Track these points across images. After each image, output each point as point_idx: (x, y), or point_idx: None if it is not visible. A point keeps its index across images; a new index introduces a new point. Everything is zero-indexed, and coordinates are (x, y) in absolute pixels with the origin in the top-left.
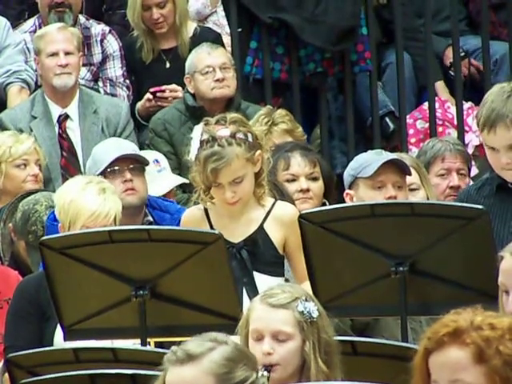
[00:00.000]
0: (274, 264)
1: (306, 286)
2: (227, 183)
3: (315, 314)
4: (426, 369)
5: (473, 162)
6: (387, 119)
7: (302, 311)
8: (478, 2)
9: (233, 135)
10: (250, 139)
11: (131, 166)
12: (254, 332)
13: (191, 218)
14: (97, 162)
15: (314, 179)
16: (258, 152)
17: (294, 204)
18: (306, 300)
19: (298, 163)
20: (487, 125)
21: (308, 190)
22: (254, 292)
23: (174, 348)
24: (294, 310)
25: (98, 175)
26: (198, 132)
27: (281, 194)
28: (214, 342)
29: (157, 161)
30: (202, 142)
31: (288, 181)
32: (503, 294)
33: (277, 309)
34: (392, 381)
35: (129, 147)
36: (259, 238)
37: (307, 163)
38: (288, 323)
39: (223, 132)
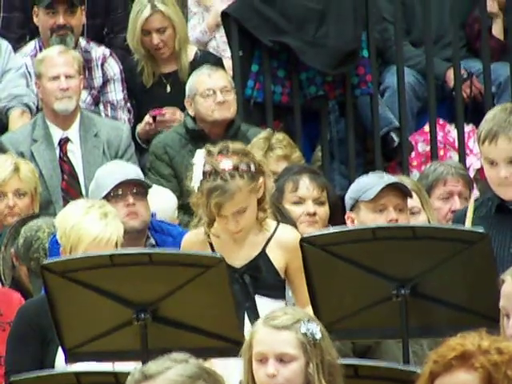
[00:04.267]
0: (276, 288)
1: (308, 311)
2: (230, 214)
3: (318, 336)
4: None
5: (474, 185)
6: (392, 134)
7: (305, 333)
8: (473, 27)
9: (236, 167)
10: (253, 169)
11: (134, 191)
12: (258, 355)
13: (192, 241)
14: (100, 186)
15: (321, 203)
16: (261, 179)
17: (296, 228)
18: (309, 321)
19: (307, 186)
20: (488, 137)
21: (314, 214)
22: (255, 316)
23: (133, 369)
24: (298, 332)
25: (100, 199)
26: (199, 158)
27: (283, 218)
28: (173, 361)
29: None
30: (204, 173)
31: (295, 203)
32: (504, 317)
33: (280, 330)
34: None
35: (132, 171)
36: (261, 262)
37: (315, 187)
38: (291, 345)
39: (226, 164)
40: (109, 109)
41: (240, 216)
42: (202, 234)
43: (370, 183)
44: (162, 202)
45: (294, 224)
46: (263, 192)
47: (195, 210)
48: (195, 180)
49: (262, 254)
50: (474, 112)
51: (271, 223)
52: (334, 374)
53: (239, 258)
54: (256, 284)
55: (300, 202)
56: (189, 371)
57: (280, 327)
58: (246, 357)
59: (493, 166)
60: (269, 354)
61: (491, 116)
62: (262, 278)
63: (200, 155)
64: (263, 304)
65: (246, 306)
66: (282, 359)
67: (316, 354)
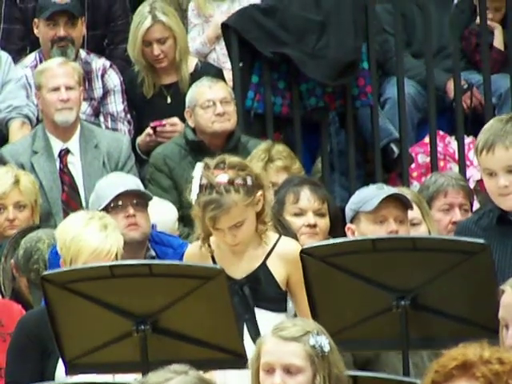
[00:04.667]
0: (276, 300)
1: None
2: (227, 228)
3: (327, 349)
4: None
5: (475, 197)
6: (392, 145)
7: (314, 345)
8: (469, 40)
9: (231, 182)
10: (250, 183)
11: (134, 202)
12: (266, 365)
13: (195, 253)
14: (100, 198)
15: (322, 215)
16: (259, 193)
17: (297, 239)
18: (318, 334)
19: (308, 198)
20: (485, 147)
21: (315, 226)
22: (254, 328)
23: (133, 381)
24: (306, 344)
25: (100, 210)
26: (199, 171)
27: (284, 230)
28: (173, 373)
29: None
30: (201, 187)
31: (296, 214)
32: (503, 328)
33: (288, 342)
34: None
35: (132, 182)
36: (262, 274)
37: (316, 199)
38: (299, 356)
39: (221, 178)
40: (109, 120)
41: (237, 230)
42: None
43: (370, 195)
44: (162, 213)
45: (295, 236)
46: (262, 205)
47: (196, 222)
48: (193, 193)
49: (263, 267)
50: (475, 123)
51: (272, 236)
52: None
53: (239, 270)
54: (256, 296)
55: (301, 213)
56: (188, 383)
57: (288, 338)
58: (254, 367)
59: (492, 176)
60: (276, 364)
61: (488, 127)
62: (261, 289)
63: (199, 168)
64: (263, 316)
65: (245, 318)
66: (289, 370)
67: (323, 367)
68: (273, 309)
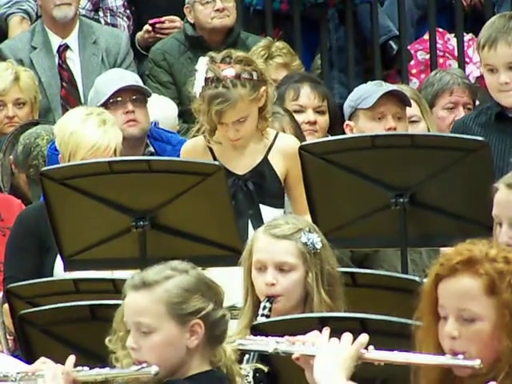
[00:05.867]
0: (278, 196)
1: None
2: (231, 122)
3: (319, 246)
4: (434, 294)
5: None
6: (391, 42)
7: (306, 242)
8: None
9: (238, 76)
10: (255, 78)
11: (133, 97)
12: (257, 263)
13: (193, 149)
14: (99, 93)
15: (322, 113)
16: (263, 88)
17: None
18: (310, 231)
19: (308, 95)
20: (488, 42)
21: (315, 123)
22: (259, 224)
23: (134, 273)
24: (298, 241)
25: (99, 106)
26: (202, 65)
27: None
28: (173, 270)
29: None
30: (206, 80)
31: (295, 111)
32: (497, 225)
33: (280, 239)
34: (391, 311)
35: (131, 78)
36: (265, 169)
37: (316, 96)
38: (291, 254)
39: (228, 72)
40: (108, 15)
41: (240, 125)
42: (201, 141)
43: (369, 91)
44: (162, 110)
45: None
46: (265, 101)
47: (197, 117)
48: (197, 86)
49: (265, 161)
50: (474, 21)
51: (270, 131)
52: (333, 283)
53: (242, 166)
54: (260, 192)
55: (300, 110)
56: (186, 283)
57: (280, 236)
58: (246, 264)
59: (493, 72)
60: (268, 262)
61: (490, 23)
62: (265, 185)
63: (203, 62)
64: (267, 213)
65: (249, 214)
66: (281, 268)
67: (315, 264)
68: (275, 205)
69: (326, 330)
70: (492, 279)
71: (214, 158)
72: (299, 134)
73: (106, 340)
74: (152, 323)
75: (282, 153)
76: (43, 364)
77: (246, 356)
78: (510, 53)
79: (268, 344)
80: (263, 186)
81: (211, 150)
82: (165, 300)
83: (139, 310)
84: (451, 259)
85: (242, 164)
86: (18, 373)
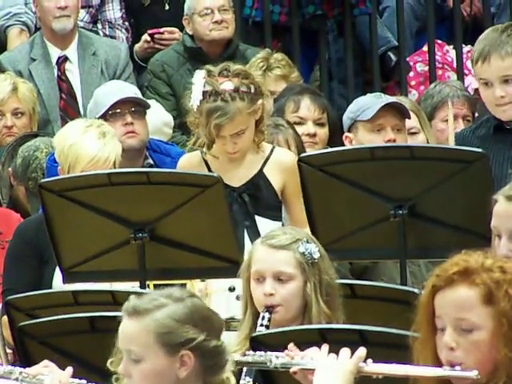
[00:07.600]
0: (274, 208)
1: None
2: (229, 135)
3: (316, 255)
4: (431, 306)
5: None
6: (390, 53)
7: (303, 252)
8: None
9: (236, 89)
10: (253, 91)
11: (132, 109)
12: (256, 273)
13: (189, 164)
14: (98, 105)
15: (321, 125)
16: (260, 101)
17: (303, 147)
18: (308, 241)
19: (308, 107)
20: (481, 56)
21: (315, 135)
22: (255, 235)
23: (131, 298)
24: (296, 251)
25: (98, 118)
26: (199, 78)
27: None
28: (167, 298)
29: None
30: (204, 93)
31: (295, 123)
32: (496, 237)
33: (278, 250)
34: (390, 323)
35: (130, 90)
36: (260, 181)
37: (316, 108)
38: (289, 264)
39: (227, 86)
40: (107, 27)
41: (238, 137)
42: (197, 155)
43: (368, 103)
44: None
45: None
46: (261, 114)
47: (193, 129)
48: (194, 99)
49: (261, 174)
50: (474, 32)
51: (267, 145)
52: (331, 294)
53: (237, 178)
54: (255, 204)
55: (301, 122)
56: (178, 313)
57: (278, 246)
58: (245, 276)
59: (487, 86)
60: (266, 272)
61: (483, 37)
62: (261, 197)
63: (199, 75)
64: (264, 224)
65: (245, 225)
66: (279, 278)
67: (314, 274)
68: (271, 217)
69: (325, 347)
70: (489, 289)
71: (210, 171)
72: (301, 146)
73: (108, 362)
74: (140, 352)
75: (279, 167)
76: (45, 368)
77: (244, 369)
78: (504, 66)
79: (267, 359)
80: (259, 198)
81: (206, 163)
82: (153, 329)
83: (129, 337)
84: (447, 270)
85: (238, 176)
86: (21, 372)
